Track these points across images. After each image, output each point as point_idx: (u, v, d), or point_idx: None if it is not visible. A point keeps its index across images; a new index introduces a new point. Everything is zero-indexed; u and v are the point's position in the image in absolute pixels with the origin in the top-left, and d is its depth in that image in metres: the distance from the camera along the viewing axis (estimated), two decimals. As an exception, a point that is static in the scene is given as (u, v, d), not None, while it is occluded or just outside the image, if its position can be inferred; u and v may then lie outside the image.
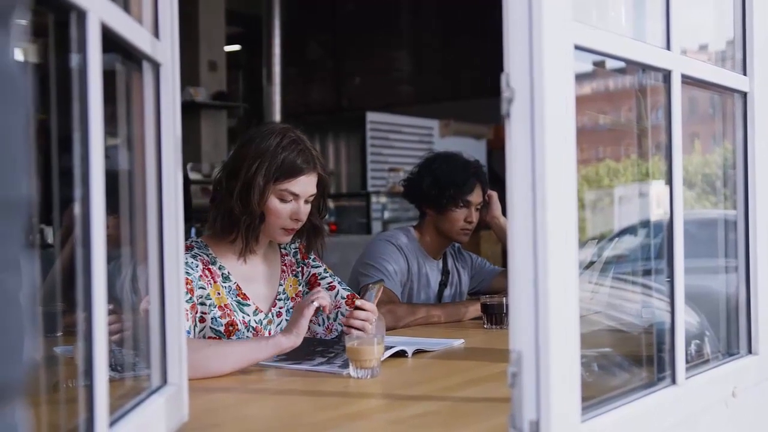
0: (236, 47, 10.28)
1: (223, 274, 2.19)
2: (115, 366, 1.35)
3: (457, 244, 3.17)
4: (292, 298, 2.32)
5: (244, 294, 2.21)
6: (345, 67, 10.31)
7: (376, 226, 7.26)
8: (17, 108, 0.59)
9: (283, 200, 2.15)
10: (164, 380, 1.36)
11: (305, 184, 2.17)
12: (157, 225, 1.35)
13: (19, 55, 0.61)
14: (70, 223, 1.09)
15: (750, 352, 1.79)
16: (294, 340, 1.91)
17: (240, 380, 1.84)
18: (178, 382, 1.37)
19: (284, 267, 2.34)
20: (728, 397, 1.66)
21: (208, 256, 2.19)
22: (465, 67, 9.25)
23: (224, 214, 2.17)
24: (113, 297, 1.13)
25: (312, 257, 2.39)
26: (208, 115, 7.80)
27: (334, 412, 1.58)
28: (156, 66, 1.33)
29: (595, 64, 1.49)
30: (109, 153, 1.10)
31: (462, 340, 2.34)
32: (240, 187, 2.13)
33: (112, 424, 1.09)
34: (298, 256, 2.38)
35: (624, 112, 2.15)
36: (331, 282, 2.36)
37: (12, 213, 0.58)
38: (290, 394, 1.75)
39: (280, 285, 2.31)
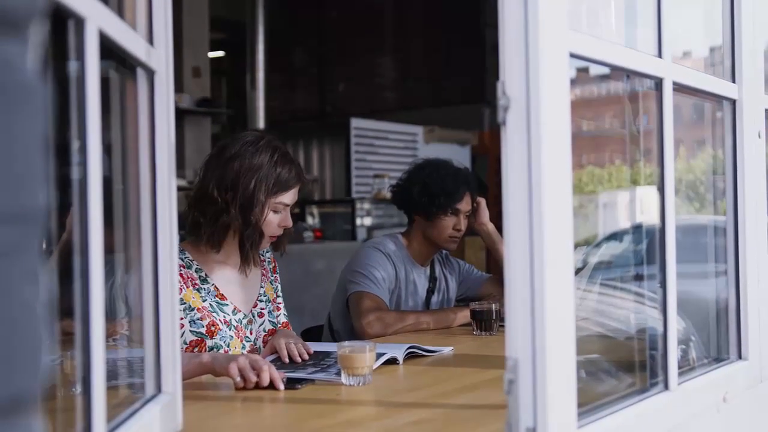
0: (220, 53, 10.26)
1: (200, 276, 2.24)
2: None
3: (444, 251, 3.17)
4: (272, 301, 2.40)
5: (222, 294, 2.26)
6: (329, 73, 10.31)
7: (361, 233, 7.25)
8: (36, 119, 0.59)
9: (275, 211, 2.25)
10: (159, 389, 1.35)
11: (295, 194, 2.29)
12: (151, 232, 1.35)
13: (35, 64, 0.61)
14: (59, 230, 1.08)
15: (740, 357, 1.81)
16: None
17: (233, 389, 1.83)
18: (172, 390, 1.36)
19: (264, 271, 2.42)
20: (719, 402, 1.67)
21: (183, 260, 2.23)
22: (449, 74, 9.27)
23: (222, 228, 2.21)
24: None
25: (277, 272, 2.49)
26: (192, 122, 7.76)
27: (327, 420, 1.57)
28: (150, 73, 1.33)
29: (579, 70, 1.50)
30: (102, 160, 1.09)
31: (451, 348, 2.34)
32: (240, 203, 2.19)
33: (109, 433, 1.08)
34: (271, 266, 2.46)
35: (608, 118, 2.16)
36: (281, 303, 2.46)
37: (30, 223, 0.58)
38: (283, 402, 1.74)
39: (261, 287, 2.38)
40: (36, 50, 0.62)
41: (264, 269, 2.42)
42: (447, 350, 2.32)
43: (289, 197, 2.26)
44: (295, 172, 2.26)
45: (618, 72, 1.59)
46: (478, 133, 8.35)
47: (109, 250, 1.29)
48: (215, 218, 2.20)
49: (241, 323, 2.26)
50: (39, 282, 0.59)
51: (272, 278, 2.44)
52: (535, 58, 1.15)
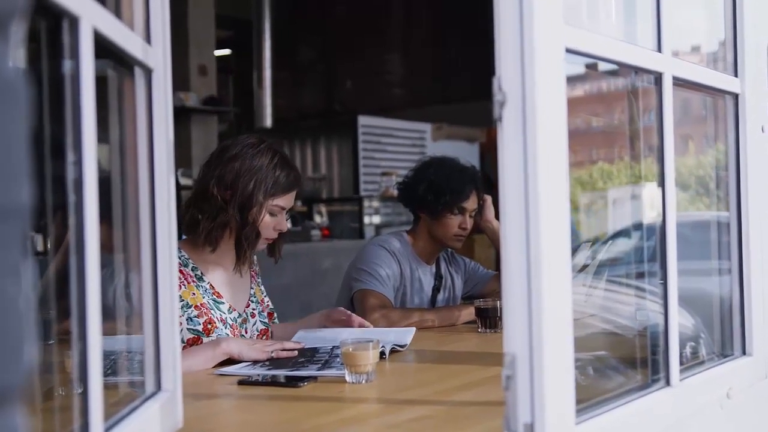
0: (226, 51, 10.26)
1: (196, 275, 2.28)
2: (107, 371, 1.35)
3: (450, 249, 3.17)
4: (261, 301, 2.46)
5: (218, 293, 2.30)
6: (336, 70, 10.30)
7: (369, 231, 7.26)
8: (18, 116, 0.60)
9: (272, 214, 2.29)
10: (158, 386, 1.35)
11: (291, 199, 2.33)
12: (150, 231, 1.35)
13: (17, 62, 0.62)
14: (62, 230, 1.09)
15: (744, 353, 1.80)
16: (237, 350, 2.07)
17: (234, 386, 1.83)
18: (172, 388, 1.37)
19: (253, 273, 2.47)
20: (723, 398, 1.66)
21: (180, 258, 2.26)
22: (457, 71, 9.25)
23: (219, 226, 2.24)
24: (106, 304, 1.12)
25: (259, 276, 2.54)
26: (198, 120, 7.76)
27: (329, 417, 1.57)
28: (148, 72, 1.33)
29: (588, 66, 1.50)
30: (100, 159, 1.09)
31: (413, 329, 2.37)
32: (239, 202, 2.23)
33: (107, 430, 1.08)
34: (257, 270, 2.52)
35: (617, 114, 2.16)
36: (269, 304, 2.52)
37: (12, 219, 0.58)
38: (285, 399, 1.74)
39: (251, 288, 2.44)
40: (17, 48, 0.62)
41: (253, 271, 2.48)
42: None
43: (285, 201, 2.30)
44: (293, 177, 2.30)
45: (626, 68, 1.59)
46: (487, 130, 8.35)
47: (108, 250, 1.29)
48: (214, 216, 2.23)
49: (236, 322, 2.32)
50: (22, 277, 0.60)
51: (258, 281, 2.50)
52: (530, 53, 1.15)
